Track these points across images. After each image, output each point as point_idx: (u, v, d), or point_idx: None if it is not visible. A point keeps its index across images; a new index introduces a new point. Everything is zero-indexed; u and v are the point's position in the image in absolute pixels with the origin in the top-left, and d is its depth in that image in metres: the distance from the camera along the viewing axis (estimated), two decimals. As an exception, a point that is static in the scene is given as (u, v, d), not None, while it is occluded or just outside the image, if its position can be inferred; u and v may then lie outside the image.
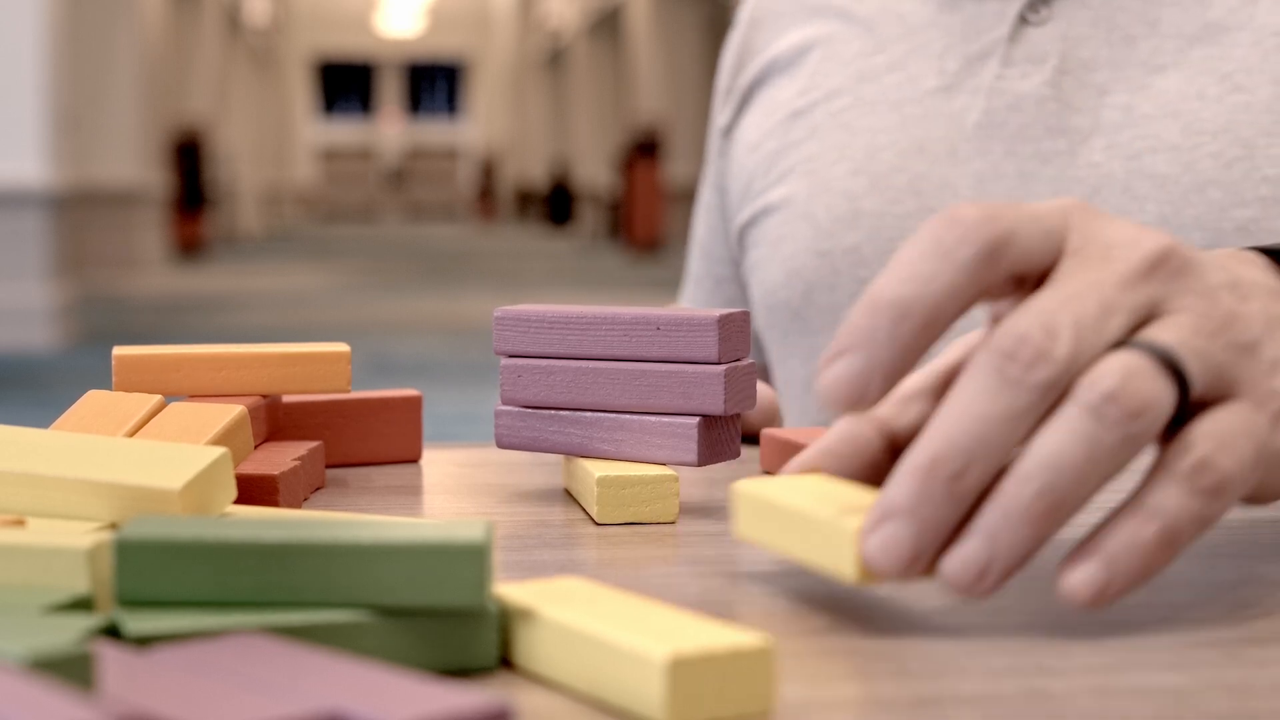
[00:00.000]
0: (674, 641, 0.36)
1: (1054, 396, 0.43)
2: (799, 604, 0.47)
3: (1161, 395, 0.43)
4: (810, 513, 0.45)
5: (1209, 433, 0.44)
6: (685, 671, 0.36)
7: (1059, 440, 0.42)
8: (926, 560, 0.43)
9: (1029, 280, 0.46)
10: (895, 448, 0.49)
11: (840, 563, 0.44)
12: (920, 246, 0.45)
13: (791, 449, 0.66)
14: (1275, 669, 0.41)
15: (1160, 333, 0.44)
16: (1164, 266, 0.46)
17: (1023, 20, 0.85)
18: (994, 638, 0.43)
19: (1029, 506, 0.42)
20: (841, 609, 0.46)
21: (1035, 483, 0.42)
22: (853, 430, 0.49)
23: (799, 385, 0.91)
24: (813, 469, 0.49)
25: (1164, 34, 0.82)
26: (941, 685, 0.40)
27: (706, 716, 0.36)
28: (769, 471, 0.68)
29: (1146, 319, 0.45)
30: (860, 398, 0.44)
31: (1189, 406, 0.44)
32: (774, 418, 0.74)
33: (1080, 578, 0.43)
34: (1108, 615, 0.45)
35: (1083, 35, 0.84)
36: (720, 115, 1.01)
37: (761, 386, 0.73)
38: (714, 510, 0.60)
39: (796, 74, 0.95)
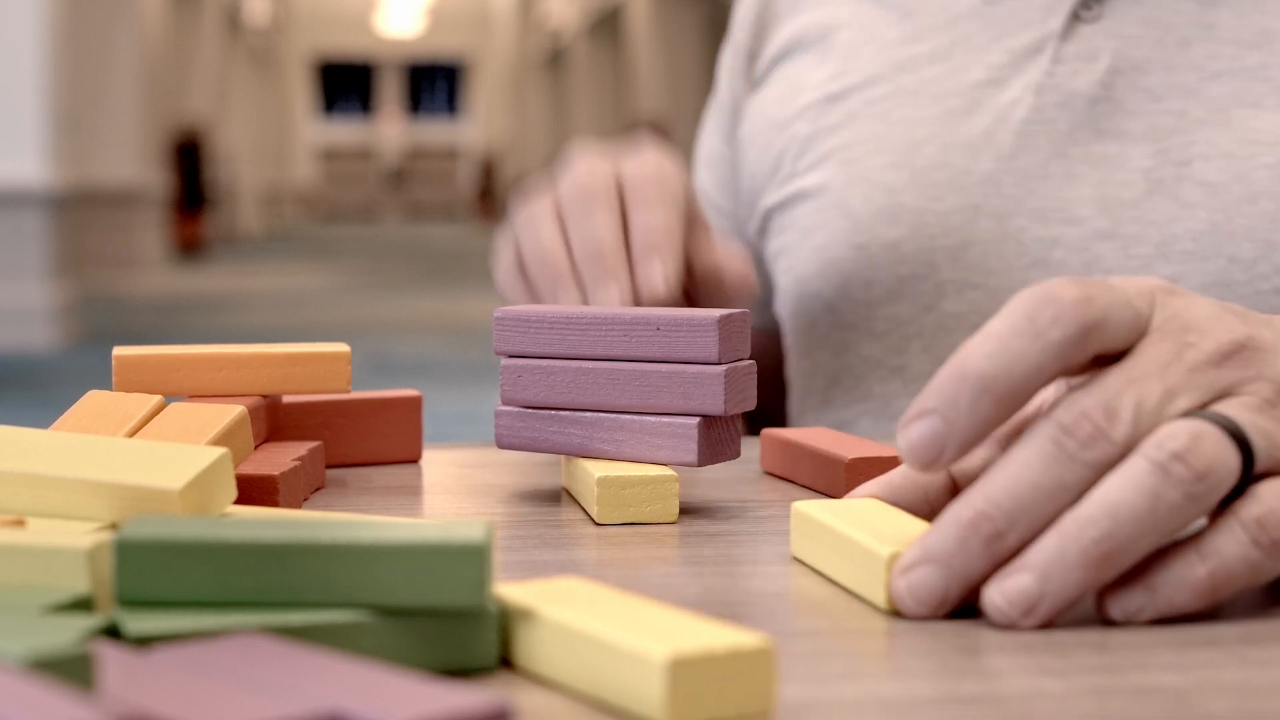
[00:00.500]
0: (674, 641, 0.36)
1: (1105, 472, 0.44)
2: (799, 604, 0.47)
3: (1228, 461, 0.44)
4: (852, 537, 0.47)
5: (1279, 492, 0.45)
6: (685, 671, 0.36)
7: (1124, 491, 0.43)
8: (952, 606, 0.45)
9: (1108, 357, 0.46)
10: (957, 488, 0.51)
11: (872, 589, 0.46)
12: (1013, 320, 0.45)
13: (792, 449, 0.66)
14: (1275, 669, 0.41)
15: (1228, 408, 0.45)
16: (1236, 356, 0.46)
17: (1075, 16, 0.83)
18: (994, 638, 0.43)
19: (1086, 551, 0.43)
20: (842, 609, 0.46)
21: (1095, 529, 0.43)
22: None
23: (824, 378, 0.89)
24: (874, 498, 0.51)
25: (1220, 39, 0.80)
26: (942, 685, 0.40)
27: (706, 716, 0.36)
28: (770, 472, 0.68)
29: (1212, 403, 0.46)
30: (934, 461, 0.45)
31: (1251, 479, 0.45)
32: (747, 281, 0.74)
33: (1122, 604, 0.44)
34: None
35: (1136, 35, 0.82)
36: (736, 73, 0.98)
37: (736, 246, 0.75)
38: (714, 510, 0.60)
39: (826, 54, 0.92)
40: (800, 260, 0.89)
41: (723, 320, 0.58)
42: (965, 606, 0.45)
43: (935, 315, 0.83)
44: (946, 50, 0.87)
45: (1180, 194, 0.79)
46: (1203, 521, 0.45)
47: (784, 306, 0.92)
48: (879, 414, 0.85)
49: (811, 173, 0.90)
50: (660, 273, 0.67)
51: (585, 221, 0.69)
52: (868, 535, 0.47)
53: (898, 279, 0.84)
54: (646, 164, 0.72)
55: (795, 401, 0.93)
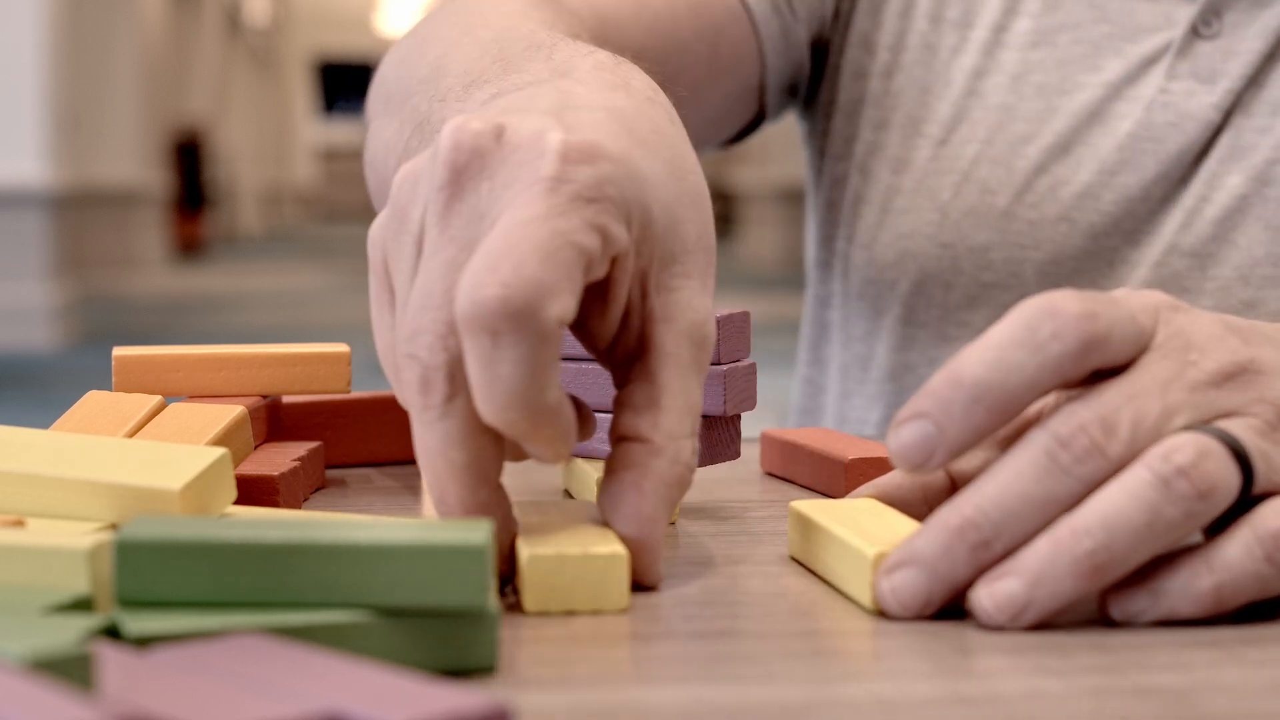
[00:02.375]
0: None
1: (1097, 485, 0.44)
2: (798, 604, 0.47)
3: (1230, 480, 0.44)
4: (840, 536, 0.47)
5: None
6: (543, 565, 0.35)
7: (1122, 503, 0.43)
8: (935, 609, 0.45)
9: (1108, 370, 0.46)
10: (956, 489, 0.50)
11: (858, 588, 0.46)
12: (1013, 331, 0.45)
13: (792, 449, 0.66)
14: (1275, 669, 0.41)
15: (1231, 427, 0.45)
16: (1237, 378, 0.46)
17: (1194, 32, 0.79)
18: (994, 638, 0.43)
19: (1078, 560, 0.43)
20: (841, 609, 0.46)
21: (1090, 540, 0.43)
22: None
23: (879, 369, 0.86)
24: (873, 498, 0.51)
25: None
26: (941, 685, 0.40)
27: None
28: (770, 472, 0.68)
29: (1211, 421, 0.45)
30: (923, 464, 0.45)
31: (1248, 500, 0.45)
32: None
33: (1124, 606, 0.44)
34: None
35: (1251, 51, 0.78)
36: None
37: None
38: (714, 510, 0.60)
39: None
40: (878, 242, 0.84)
41: (722, 321, 0.58)
42: (952, 607, 0.45)
43: None
44: (1051, 33, 0.82)
45: (1266, 217, 0.77)
46: (1198, 535, 0.45)
47: (850, 281, 0.87)
48: None
49: (895, 130, 0.84)
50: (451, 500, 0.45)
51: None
52: (856, 535, 0.47)
53: (980, 285, 0.81)
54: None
55: (835, 381, 0.89)
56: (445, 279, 0.44)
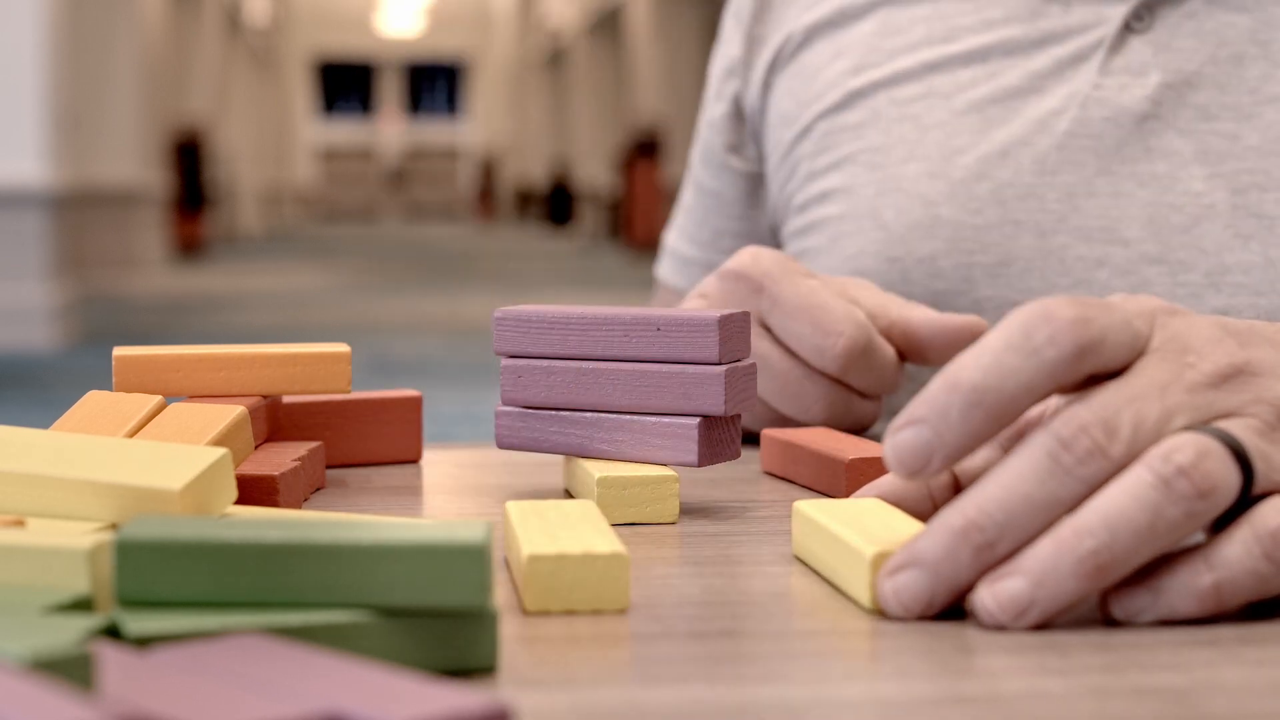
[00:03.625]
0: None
1: (1099, 486, 0.44)
2: (799, 604, 0.47)
3: (1230, 480, 0.44)
4: (841, 536, 0.47)
5: None
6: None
7: (1124, 503, 0.43)
8: (937, 610, 0.45)
9: (1104, 375, 0.46)
10: (960, 489, 0.51)
11: (858, 589, 0.46)
12: (1008, 336, 0.45)
13: (792, 449, 0.66)
14: (1275, 669, 0.41)
15: (1231, 427, 0.45)
16: (1234, 379, 0.46)
17: (1126, 27, 0.80)
18: (994, 638, 0.43)
19: (1081, 561, 0.43)
20: (841, 609, 0.46)
21: (1093, 540, 0.43)
22: None
23: None
24: (876, 497, 0.51)
25: (1275, 59, 0.78)
26: (942, 685, 0.40)
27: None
28: (770, 472, 0.68)
29: (1210, 422, 0.45)
30: (920, 469, 0.45)
31: (1248, 500, 0.45)
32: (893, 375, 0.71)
33: (1125, 605, 0.44)
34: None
35: (1187, 48, 0.79)
36: (736, 58, 0.95)
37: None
38: (714, 510, 0.60)
39: (846, 45, 0.89)
40: (828, 268, 0.86)
41: (723, 320, 0.58)
42: (953, 607, 0.45)
43: None
44: (983, 53, 0.84)
45: (1234, 223, 0.77)
46: (1200, 535, 0.45)
47: None
48: None
49: (834, 173, 0.87)
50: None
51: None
52: (858, 535, 0.47)
53: (933, 294, 0.82)
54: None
55: None
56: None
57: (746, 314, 0.60)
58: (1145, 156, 0.79)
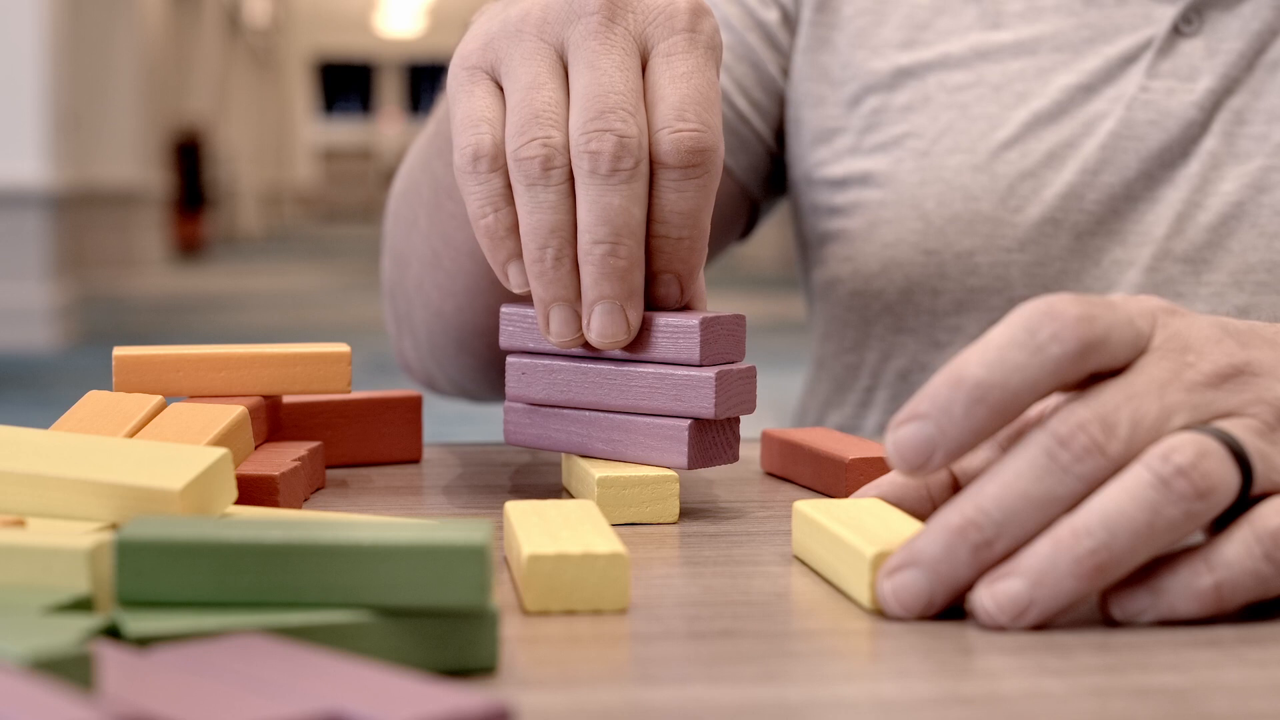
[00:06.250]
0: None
1: (1097, 485, 0.44)
2: (799, 604, 0.47)
3: (1229, 480, 0.44)
4: (841, 536, 0.47)
5: None
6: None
7: (1123, 503, 0.43)
8: (936, 610, 0.45)
9: (1106, 374, 0.46)
10: (958, 487, 0.51)
11: (857, 588, 0.46)
12: (1013, 332, 0.45)
13: (792, 449, 0.66)
14: (1275, 669, 0.41)
15: (1230, 427, 0.45)
16: (1233, 379, 0.46)
17: (1175, 30, 0.79)
18: (994, 638, 0.43)
19: (1079, 560, 0.43)
20: (841, 610, 0.46)
21: (1091, 540, 0.43)
22: None
23: (869, 377, 0.86)
24: (876, 497, 0.51)
25: None
26: (942, 685, 0.40)
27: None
28: (770, 472, 0.68)
29: (1209, 422, 0.45)
30: (922, 465, 0.45)
31: (1247, 500, 0.45)
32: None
33: (1125, 605, 0.44)
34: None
35: (1234, 53, 0.79)
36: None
37: None
38: (714, 510, 0.60)
39: (894, 17, 0.85)
40: (863, 254, 0.85)
41: (705, 323, 0.58)
42: (952, 607, 0.45)
43: None
44: (1031, 44, 0.83)
45: (1260, 223, 0.77)
46: (1199, 535, 0.45)
47: (837, 296, 0.87)
48: None
49: (878, 155, 0.85)
50: (615, 328, 0.58)
51: (532, 198, 0.56)
52: (857, 535, 0.47)
53: (968, 290, 0.81)
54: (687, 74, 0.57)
55: (825, 393, 0.90)
56: (623, 72, 0.56)
57: (741, 317, 0.59)
58: (1182, 158, 0.79)
